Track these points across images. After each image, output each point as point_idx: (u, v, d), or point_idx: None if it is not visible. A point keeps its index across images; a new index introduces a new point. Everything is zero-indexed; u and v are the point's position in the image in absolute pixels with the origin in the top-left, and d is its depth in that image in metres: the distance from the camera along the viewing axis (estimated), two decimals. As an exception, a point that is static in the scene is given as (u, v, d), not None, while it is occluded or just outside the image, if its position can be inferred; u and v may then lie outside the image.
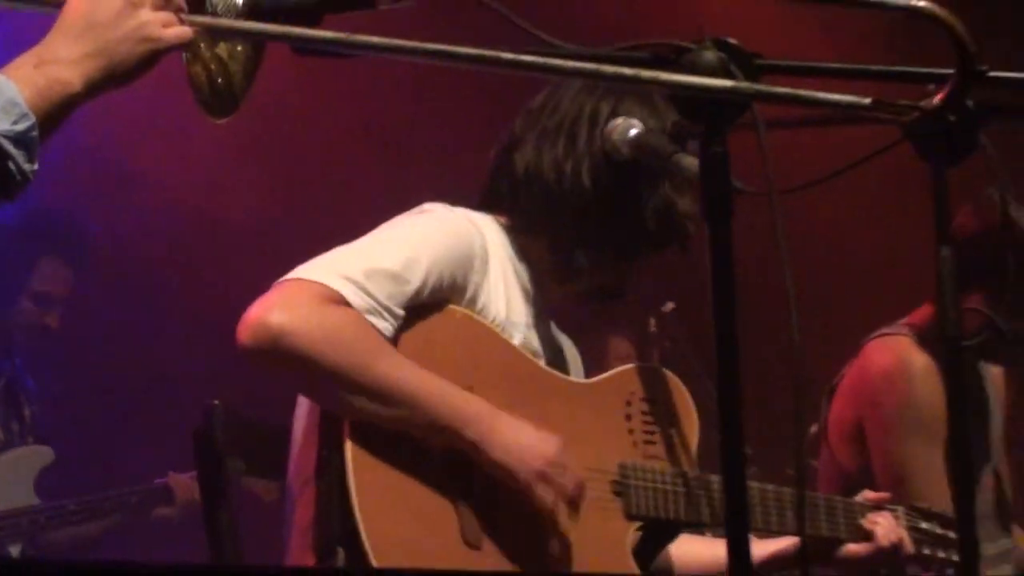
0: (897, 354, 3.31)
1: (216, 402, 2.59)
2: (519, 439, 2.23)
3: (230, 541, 2.53)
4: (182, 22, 1.78)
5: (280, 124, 4.68)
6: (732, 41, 1.88)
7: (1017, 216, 3.12)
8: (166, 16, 1.76)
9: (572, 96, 2.43)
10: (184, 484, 4.28)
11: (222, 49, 1.87)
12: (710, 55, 1.86)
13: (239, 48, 1.87)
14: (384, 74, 4.67)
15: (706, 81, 1.80)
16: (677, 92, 1.87)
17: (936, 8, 1.68)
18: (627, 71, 1.82)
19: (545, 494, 2.24)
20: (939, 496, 2.95)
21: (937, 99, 1.74)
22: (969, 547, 1.79)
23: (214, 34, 1.84)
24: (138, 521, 4.36)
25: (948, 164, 1.95)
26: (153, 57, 1.77)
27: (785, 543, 2.52)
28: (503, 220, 2.46)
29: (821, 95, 1.81)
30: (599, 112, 2.39)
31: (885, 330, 3.39)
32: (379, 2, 1.84)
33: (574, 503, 2.27)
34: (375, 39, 1.70)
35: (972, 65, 1.67)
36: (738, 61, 1.86)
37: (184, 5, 1.80)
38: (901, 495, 2.82)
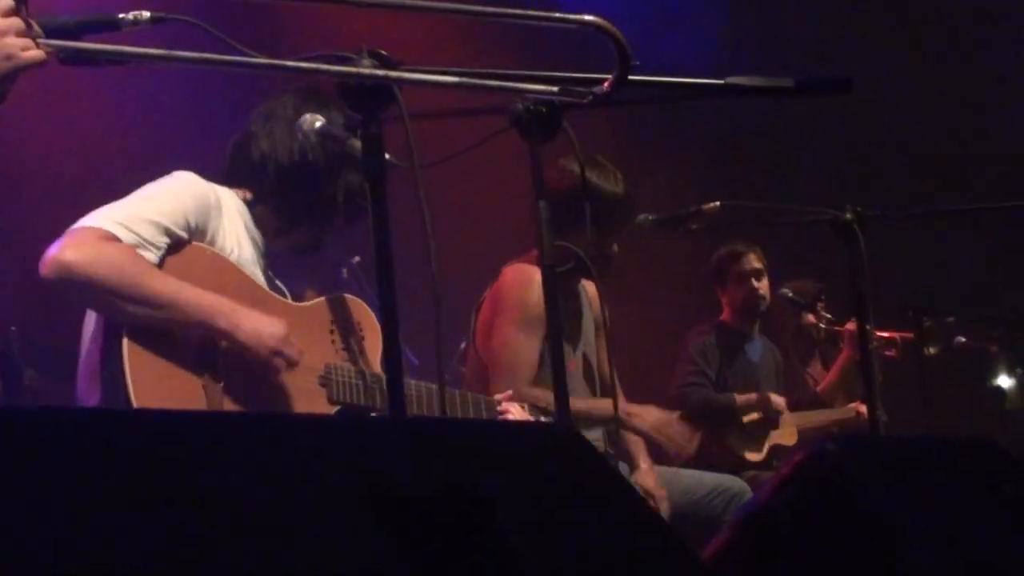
0: (522, 269, 4.32)
1: (13, 328, 3.48)
2: (257, 323, 2.94)
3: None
4: (38, 46, 2.26)
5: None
6: (382, 52, 2.51)
7: (592, 177, 4.18)
8: (24, 41, 2.26)
9: (284, 102, 3.20)
10: None
11: None
12: (366, 62, 2.49)
13: None
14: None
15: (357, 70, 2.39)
16: (344, 81, 2.46)
17: (603, 22, 2.22)
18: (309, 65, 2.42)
19: (277, 362, 2.95)
20: (527, 368, 4.12)
21: (605, 86, 2.34)
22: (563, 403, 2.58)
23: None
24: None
25: (542, 142, 2.66)
26: (14, 73, 2.25)
27: None
28: (241, 193, 3.21)
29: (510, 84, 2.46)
30: (300, 112, 3.10)
31: (514, 260, 4.44)
32: (122, 24, 2.42)
33: (293, 364, 2.98)
34: (150, 51, 2.23)
35: (628, 64, 2.25)
36: (386, 67, 2.49)
37: (41, 32, 2.29)
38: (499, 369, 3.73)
